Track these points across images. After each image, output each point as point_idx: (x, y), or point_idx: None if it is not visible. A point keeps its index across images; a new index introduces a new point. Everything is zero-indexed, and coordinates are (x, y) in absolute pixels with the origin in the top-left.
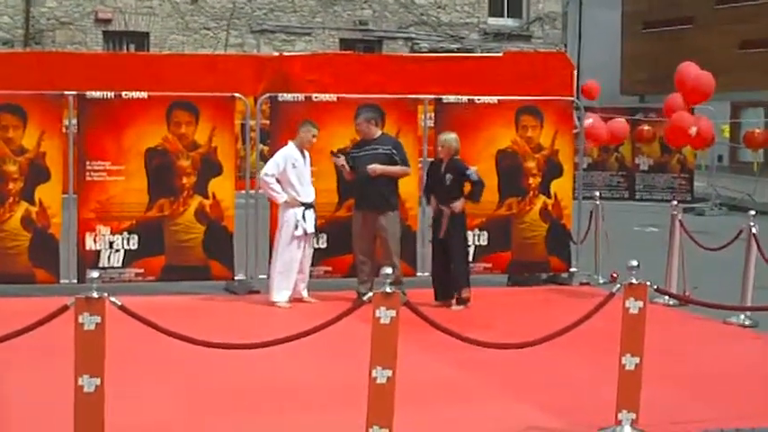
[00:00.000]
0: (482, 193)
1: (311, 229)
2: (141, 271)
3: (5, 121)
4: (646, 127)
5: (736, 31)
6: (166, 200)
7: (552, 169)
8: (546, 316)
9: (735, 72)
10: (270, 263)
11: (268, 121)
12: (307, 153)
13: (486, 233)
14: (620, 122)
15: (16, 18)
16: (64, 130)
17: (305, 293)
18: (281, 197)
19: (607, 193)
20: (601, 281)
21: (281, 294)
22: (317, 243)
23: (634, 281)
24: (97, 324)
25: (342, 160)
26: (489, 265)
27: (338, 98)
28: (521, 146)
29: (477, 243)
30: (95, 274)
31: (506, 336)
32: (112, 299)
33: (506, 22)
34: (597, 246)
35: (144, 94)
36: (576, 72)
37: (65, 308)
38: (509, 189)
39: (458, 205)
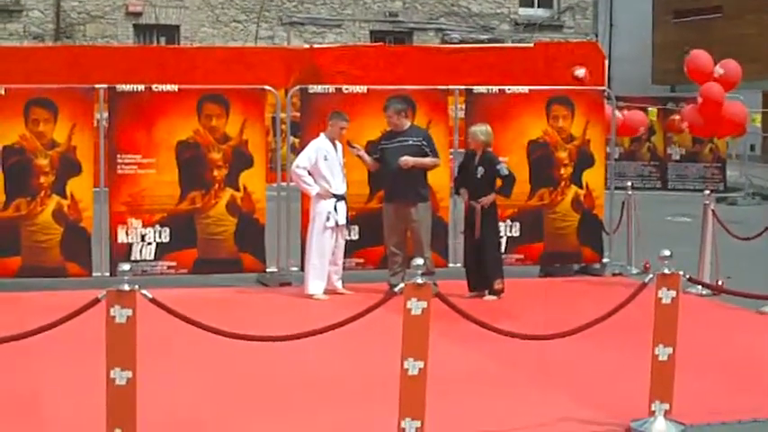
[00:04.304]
0: (513, 187)
1: (343, 221)
2: (173, 264)
3: (36, 114)
4: (677, 116)
5: (767, 20)
6: (198, 192)
7: (584, 159)
8: (578, 307)
9: (766, 60)
10: (302, 255)
11: (299, 114)
12: (339, 144)
13: (518, 224)
14: (638, 114)
15: (47, 12)
16: (95, 123)
17: (339, 285)
18: (313, 189)
19: (639, 183)
20: (633, 271)
21: (316, 286)
22: (349, 235)
23: (667, 271)
24: (128, 317)
25: (359, 151)
26: (521, 257)
27: (368, 89)
28: (552, 136)
29: (509, 234)
30: (126, 266)
31: (539, 327)
32: (144, 291)
33: (537, 12)
34: (630, 236)
35: (174, 87)
36: (607, 61)
37: (96, 301)
38: (540, 180)
39: (486, 201)
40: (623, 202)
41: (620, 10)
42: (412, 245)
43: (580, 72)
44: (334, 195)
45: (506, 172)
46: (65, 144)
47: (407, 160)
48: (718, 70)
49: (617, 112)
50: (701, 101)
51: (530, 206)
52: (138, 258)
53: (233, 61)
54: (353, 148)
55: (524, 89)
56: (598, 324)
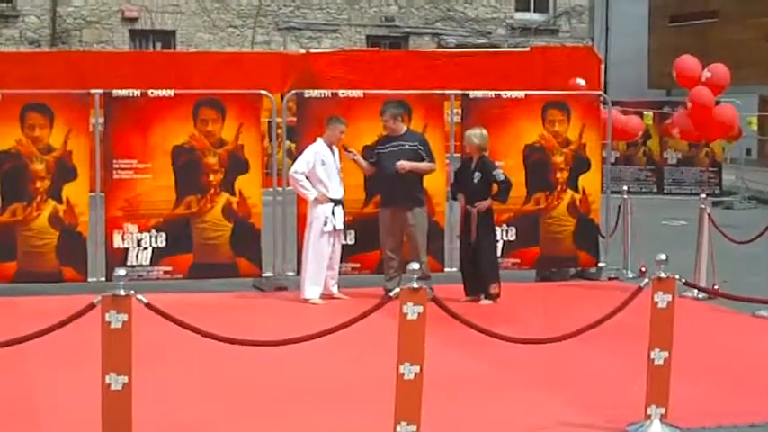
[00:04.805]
0: (509, 192)
1: (340, 226)
2: (169, 269)
3: (32, 120)
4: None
5: (763, 24)
6: (193, 197)
7: (580, 164)
8: (574, 311)
9: (762, 65)
10: (298, 260)
11: (295, 118)
12: (335, 149)
13: (514, 228)
14: (635, 118)
15: (43, 18)
16: (90, 128)
17: (335, 290)
18: (310, 194)
19: (635, 187)
20: (629, 275)
21: (312, 291)
22: (345, 239)
23: (662, 275)
24: (124, 322)
25: (354, 155)
26: (517, 261)
27: (364, 94)
28: (548, 140)
29: (505, 238)
30: (122, 271)
31: (535, 331)
32: (139, 296)
33: (533, 17)
34: (626, 240)
35: (170, 92)
36: (603, 66)
37: (91, 306)
38: (537, 184)
39: (483, 205)
40: (619, 207)
41: (616, 14)
42: (408, 249)
43: (581, 82)
44: (332, 200)
45: (503, 177)
46: (61, 149)
47: (404, 165)
48: (706, 74)
49: (619, 115)
50: (691, 106)
51: (526, 210)
52: (134, 263)
53: (229, 66)
54: (349, 152)
55: (520, 93)
56: (594, 328)
